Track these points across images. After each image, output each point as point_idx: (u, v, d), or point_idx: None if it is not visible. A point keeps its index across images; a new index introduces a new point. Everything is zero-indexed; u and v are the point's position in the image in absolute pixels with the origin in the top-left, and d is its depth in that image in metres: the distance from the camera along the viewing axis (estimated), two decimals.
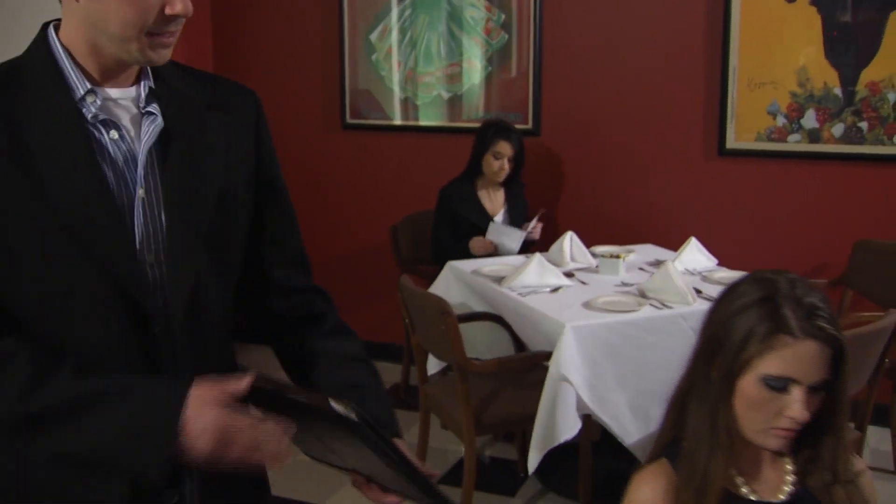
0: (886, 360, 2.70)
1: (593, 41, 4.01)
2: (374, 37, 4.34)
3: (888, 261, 3.46)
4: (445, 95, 4.27)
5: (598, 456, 3.10)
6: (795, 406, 1.26)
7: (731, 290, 1.35)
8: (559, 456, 3.27)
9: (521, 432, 3.31)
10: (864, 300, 3.60)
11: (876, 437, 3.58)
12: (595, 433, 3.02)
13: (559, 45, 4.06)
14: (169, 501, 1.21)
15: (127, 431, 1.09)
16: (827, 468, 1.34)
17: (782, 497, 1.36)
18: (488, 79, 4.19)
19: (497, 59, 4.16)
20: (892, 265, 3.44)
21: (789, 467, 1.38)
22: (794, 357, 1.26)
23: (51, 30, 1.19)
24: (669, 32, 3.87)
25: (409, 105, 4.35)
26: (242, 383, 1.10)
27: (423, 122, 4.34)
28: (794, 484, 1.36)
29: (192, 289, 1.20)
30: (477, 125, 3.94)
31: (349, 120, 4.45)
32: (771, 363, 1.26)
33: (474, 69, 4.20)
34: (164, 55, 1.16)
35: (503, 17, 4.11)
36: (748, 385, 1.29)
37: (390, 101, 4.37)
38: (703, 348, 1.35)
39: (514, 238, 3.60)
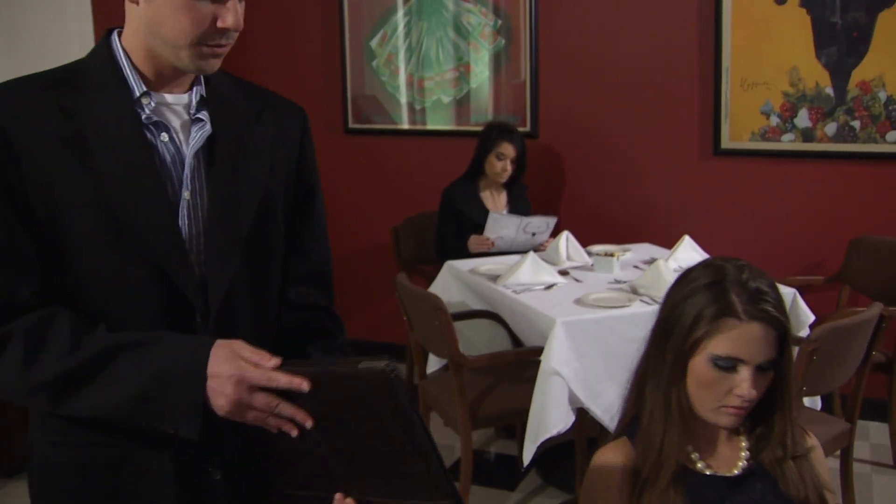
0: (873, 352, 2.75)
1: (589, 44, 4.08)
2: (374, 43, 4.43)
3: (883, 257, 3.50)
4: (445, 100, 4.36)
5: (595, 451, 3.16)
6: (743, 385, 1.32)
7: (684, 276, 1.42)
8: (559, 452, 3.34)
9: (521, 428, 3.37)
10: (861, 296, 3.64)
11: (876, 432, 3.62)
12: (592, 429, 3.08)
13: (555, 48, 4.13)
14: (213, 477, 1.28)
15: (158, 376, 1.14)
16: (778, 444, 1.40)
17: (736, 471, 1.41)
18: (487, 83, 4.27)
19: (495, 64, 4.24)
20: (888, 261, 3.48)
21: (744, 443, 1.44)
22: (740, 338, 1.32)
23: (114, 35, 1.26)
24: (663, 35, 3.94)
25: (409, 109, 4.44)
26: (272, 361, 1.15)
27: (421, 126, 4.43)
28: (747, 459, 1.42)
29: (228, 291, 1.26)
30: (475, 128, 4.03)
31: (351, 125, 4.55)
32: (719, 344, 1.33)
33: (473, 74, 4.29)
34: (213, 65, 1.22)
35: (500, 22, 4.19)
36: (698, 365, 1.35)
37: (391, 106, 4.46)
38: (658, 330, 1.42)
39: (512, 226, 3.66)
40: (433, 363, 3.35)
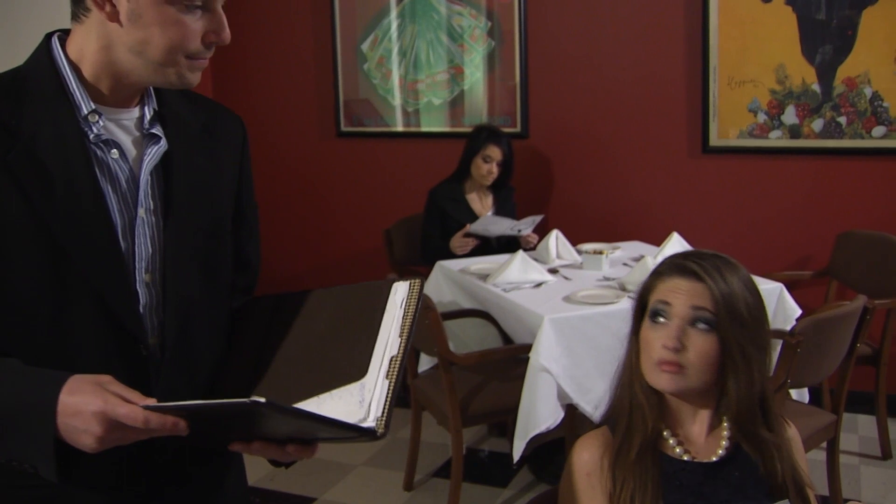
0: (859, 344, 2.78)
1: (578, 45, 4.12)
2: (364, 46, 4.47)
3: (871, 251, 3.53)
4: (437, 102, 4.39)
5: None
6: (669, 333, 1.37)
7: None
8: (550, 448, 3.37)
9: (513, 426, 3.40)
10: (849, 291, 3.67)
11: (865, 424, 3.65)
12: (582, 425, 3.11)
13: (545, 49, 4.17)
14: None
15: (5, 411, 1.05)
16: (755, 432, 1.42)
17: (715, 458, 1.43)
18: (479, 84, 4.31)
19: (487, 65, 4.28)
20: (875, 256, 3.51)
21: (725, 431, 1.45)
22: (665, 289, 1.41)
23: (55, 42, 1.17)
24: (651, 35, 3.97)
25: (402, 112, 4.47)
26: (146, 399, 1.05)
27: (415, 129, 4.46)
28: (727, 447, 1.44)
29: (186, 310, 1.22)
30: (469, 130, 4.06)
31: (343, 128, 4.58)
32: (653, 298, 1.42)
33: (463, 75, 4.32)
34: (197, 77, 1.17)
35: (489, 24, 4.23)
36: (643, 330, 1.42)
37: (384, 109, 4.50)
38: (632, 315, 1.49)
39: (503, 225, 3.69)
40: (425, 362, 3.38)
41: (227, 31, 1.16)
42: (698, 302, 1.38)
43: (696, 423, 1.45)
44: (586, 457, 1.44)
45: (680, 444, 1.44)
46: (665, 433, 1.44)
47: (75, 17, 1.16)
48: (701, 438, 1.45)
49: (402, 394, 3.99)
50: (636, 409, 1.42)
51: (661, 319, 1.38)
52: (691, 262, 1.41)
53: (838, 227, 3.70)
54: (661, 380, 1.39)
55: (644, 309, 1.43)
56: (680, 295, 1.39)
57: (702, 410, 1.45)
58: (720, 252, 1.47)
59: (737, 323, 1.39)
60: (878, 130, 3.65)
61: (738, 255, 1.51)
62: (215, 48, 1.18)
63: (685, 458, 1.43)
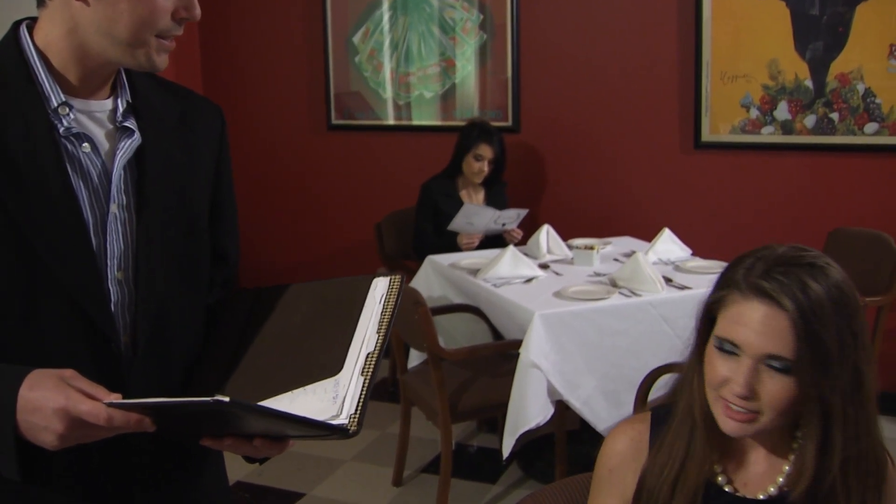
0: None
1: (570, 39, 4.09)
2: (356, 39, 4.44)
3: (862, 249, 3.51)
4: (428, 95, 4.36)
5: (577, 444, 3.18)
6: (735, 377, 1.10)
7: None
8: (540, 444, 3.36)
9: (503, 422, 3.38)
10: None
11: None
12: (572, 422, 3.09)
13: (537, 43, 4.14)
14: None
15: None
16: (828, 472, 1.13)
17: (762, 496, 1.20)
18: (470, 78, 4.28)
19: (478, 59, 4.25)
20: (866, 253, 3.49)
21: (787, 468, 1.20)
22: (737, 318, 1.11)
23: (23, 31, 1.13)
24: (643, 29, 3.95)
25: (393, 105, 4.44)
26: (110, 395, 1.00)
27: (407, 122, 4.43)
28: (782, 485, 1.19)
29: (159, 307, 1.19)
30: (460, 123, 4.03)
31: (334, 121, 4.55)
32: (722, 323, 1.14)
33: (455, 69, 4.29)
34: (165, 60, 1.14)
35: (481, 17, 4.20)
36: (709, 351, 1.16)
37: (375, 102, 4.47)
38: (697, 327, 1.22)
39: (485, 216, 3.67)
40: (414, 358, 3.36)
41: (198, 7, 1.13)
42: (774, 346, 1.08)
43: (751, 456, 1.23)
44: (619, 448, 1.29)
45: (725, 472, 1.23)
46: (713, 456, 1.22)
47: (40, 2, 1.12)
48: (752, 471, 1.22)
49: (392, 389, 4.02)
50: (694, 449, 1.19)
51: (734, 355, 1.12)
52: (781, 284, 1.09)
53: (830, 224, 3.69)
54: (727, 425, 1.14)
55: (712, 321, 1.16)
56: (751, 332, 1.09)
57: (763, 445, 1.22)
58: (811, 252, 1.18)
59: (820, 367, 1.08)
60: (871, 127, 3.64)
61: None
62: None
63: (727, 488, 1.22)
